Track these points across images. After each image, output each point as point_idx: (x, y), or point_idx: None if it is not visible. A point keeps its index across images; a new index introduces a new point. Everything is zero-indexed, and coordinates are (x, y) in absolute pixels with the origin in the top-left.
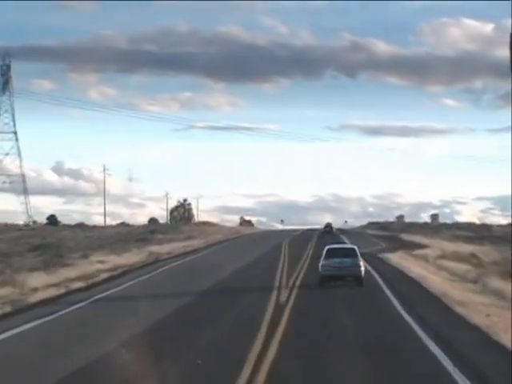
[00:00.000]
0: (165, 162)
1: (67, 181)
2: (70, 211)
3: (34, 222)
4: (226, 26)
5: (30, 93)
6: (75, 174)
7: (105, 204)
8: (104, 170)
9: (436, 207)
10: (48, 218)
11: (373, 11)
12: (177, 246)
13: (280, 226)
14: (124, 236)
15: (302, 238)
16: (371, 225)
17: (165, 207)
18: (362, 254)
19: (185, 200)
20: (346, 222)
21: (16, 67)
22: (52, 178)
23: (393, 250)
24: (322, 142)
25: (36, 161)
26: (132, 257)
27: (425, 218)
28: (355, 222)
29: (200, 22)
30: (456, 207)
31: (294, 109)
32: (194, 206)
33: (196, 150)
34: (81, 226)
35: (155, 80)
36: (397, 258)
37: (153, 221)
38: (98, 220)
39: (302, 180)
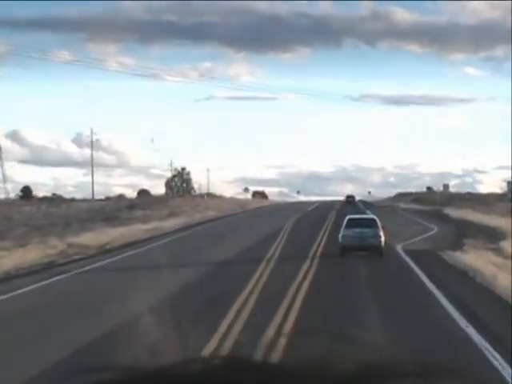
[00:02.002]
0: (186, 133)
1: (87, 152)
2: (91, 183)
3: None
4: None
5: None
6: (95, 146)
7: (92, 174)
8: (91, 134)
9: (457, 177)
10: (22, 191)
11: None
12: (136, 229)
13: (299, 197)
14: (94, 213)
15: (314, 217)
16: (401, 196)
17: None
18: (416, 254)
19: (183, 169)
20: (369, 192)
21: (35, 38)
22: (72, 149)
23: (457, 241)
24: (342, 111)
25: (56, 132)
26: (29, 253)
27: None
28: (377, 193)
29: None
30: (477, 176)
31: (315, 78)
32: (194, 176)
33: (216, 120)
34: (54, 199)
35: (175, 50)
36: (495, 271)
37: (143, 192)
38: (120, 191)
39: (323, 150)
